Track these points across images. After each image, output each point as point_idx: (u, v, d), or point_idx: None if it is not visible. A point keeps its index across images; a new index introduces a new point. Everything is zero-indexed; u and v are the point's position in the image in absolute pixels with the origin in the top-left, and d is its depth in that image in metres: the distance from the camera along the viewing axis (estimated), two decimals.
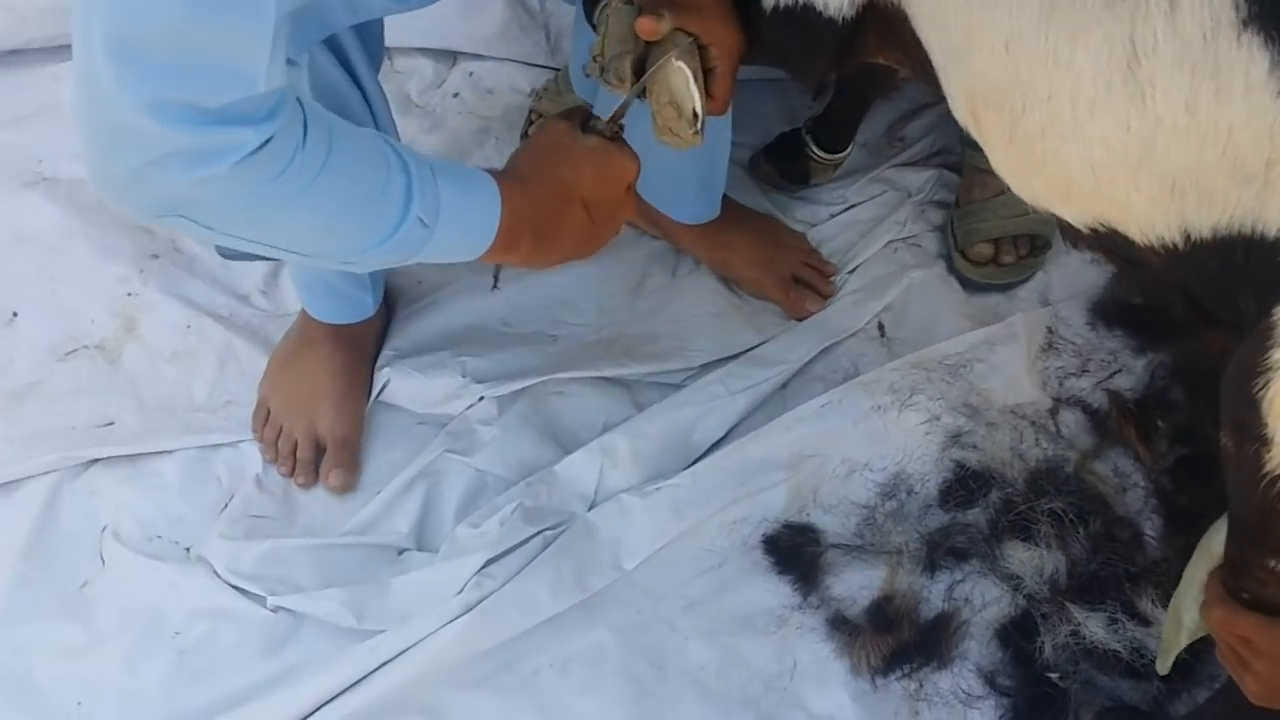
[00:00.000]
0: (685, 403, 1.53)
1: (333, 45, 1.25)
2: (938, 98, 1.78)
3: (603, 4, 1.13)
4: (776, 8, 1.16)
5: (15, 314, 1.65)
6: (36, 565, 1.46)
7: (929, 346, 1.58)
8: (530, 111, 1.75)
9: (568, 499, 1.48)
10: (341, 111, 1.26)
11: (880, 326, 1.63)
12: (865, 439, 1.52)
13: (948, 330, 1.61)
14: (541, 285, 1.64)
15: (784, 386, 1.59)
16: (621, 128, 1.16)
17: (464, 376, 1.55)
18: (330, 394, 1.53)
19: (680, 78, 1.10)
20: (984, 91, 1.07)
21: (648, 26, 1.10)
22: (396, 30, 1.80)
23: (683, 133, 1.13)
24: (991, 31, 1.02)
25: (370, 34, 1.30)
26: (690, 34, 1.11)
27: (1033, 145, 1.07)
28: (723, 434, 1.53)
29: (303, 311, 1.57)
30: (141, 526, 1.50)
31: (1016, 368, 1.57)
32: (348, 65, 1.28)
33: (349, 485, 1.51)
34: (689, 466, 1.50)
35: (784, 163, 1.72)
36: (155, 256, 1.69)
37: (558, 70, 1.77)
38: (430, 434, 1.54)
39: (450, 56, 1.84)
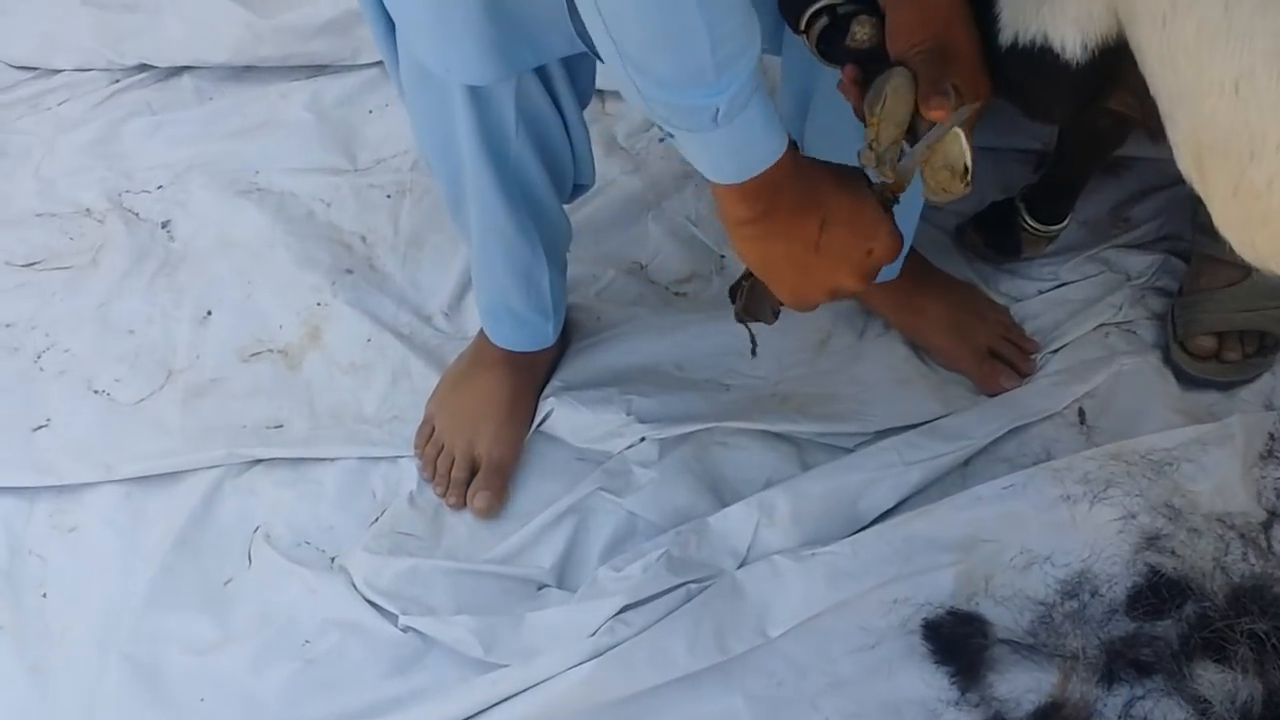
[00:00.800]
0: (855, 468, 1.44)
1: (543, 75, 1.25)
2: (1169, 180, 1.68)
3: (878, 82, 1.04)
4: (1015, 46, 1.08)
5: (209, 313, 1.69)
6: (186, 557, 1.46)
7: (1133, 438, 1.44)
8: None
9: (717, 553, 1.40)
10: (542, 139, 1.26)
11: (1081, 413, 1.50)
12: (1050, 530, 1.39)
13: (1156, 424, 1.46)
14: (720, 333, 1.57)
15: (965, 464, 1.47)
16: (895, 200, 1.08)
17: (628, 415, 1.49)
18: (493, 417, 1.50)
19: (957, 145, 1.03)
20: (1210, 139, 0.97)
21: (940, 112, 1.01)
22: (608, 72, 1.80)
23: (954, 188, 1.05)
24: (1220, 70, 0.93)
25: (582, 71, 1.30)
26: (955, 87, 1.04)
27: (1258, 199, 0.97)
28: (891, 505, 1.43)
29: (479, 335, 1.55)
30: (293, 531, 1.50)
31: (1229, 473, 1.41)
32: (554, 95, 1.27)
33: (493, 510, 1.47)
34: (851, 535, 1.40)
35: (993, 233, 1.61)
36: (349, 271, 1.71)
37: None
38: (586, 470, 1.49)
39: None
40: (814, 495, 1.42)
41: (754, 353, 1.21)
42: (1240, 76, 0.92)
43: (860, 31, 1.07)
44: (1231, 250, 1.50)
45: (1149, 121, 1.12)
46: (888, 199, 1.08)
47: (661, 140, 1.03)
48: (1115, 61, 1.07)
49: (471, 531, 1.48)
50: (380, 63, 1.89)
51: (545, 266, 1.43)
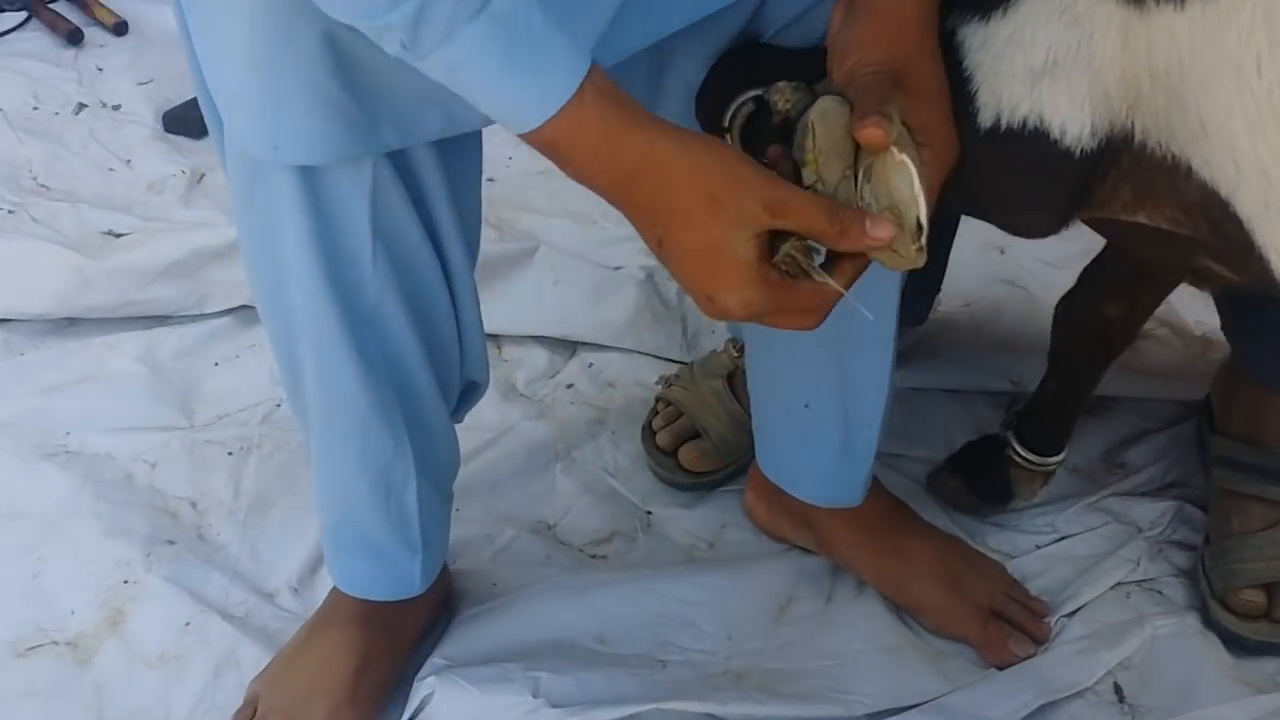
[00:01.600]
0: None
1: (415, 194, 0.96)
2: (1164, 422, 1.44)
3: (800, 109, 0.82)
4: (997, 128, 0.85)
5: None
6: None
7: (1193, 713, 1.11)
8: (656, 401, 1.43)
9: None
10: (412, 280, 0.97)
11: (1117, 688, 1.18)
12: None
13: (1211, 699, 1.15)
14: (653, 595, 1.24)
15: None
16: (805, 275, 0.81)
17: (535, 697, 1.12)
18: (332, 693, 1.13)
19: (903, 176, 0.77)
20: None
21: (876, 137, 0.77)
22: (509, 316, 1.54)
23: (904, 249, 0.79)
24: None
25: (467, 198, 1.01)
26: (905, 125, 0.79)
27: None
28: None
29: (331, 592, 1.19)
30: None
31: None
32: (431, 224, 0.98)
33: None
34: None
35: (976, 476, 1.33)
36: (171, 542, 1.34)
37: (692, 363, 1.46)
38: None
39: (570, 347, 1.55)
40: None
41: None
42: None
43: (780, 100, 0.84)
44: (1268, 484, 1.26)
45: (1209, 237, 0.88)
46: (789, 271, 0.80)
47: None
48: (1138, 167, 0.85)
49: None
50: (233, 310, 1.60)
51: (413, 473, 1.08)
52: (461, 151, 0.97)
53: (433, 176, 0.95)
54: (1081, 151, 0.84)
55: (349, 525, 1.12)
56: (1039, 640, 1.20)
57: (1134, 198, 0.87)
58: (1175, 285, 1.18)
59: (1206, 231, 0.85)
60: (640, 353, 1.53)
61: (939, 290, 1.43)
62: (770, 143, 0.84)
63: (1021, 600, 1.23)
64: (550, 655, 1.18)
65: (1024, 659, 1.19)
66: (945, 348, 1.49)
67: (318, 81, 0.82)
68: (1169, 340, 1.51)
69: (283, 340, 1.02)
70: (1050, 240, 1.64)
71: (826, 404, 1.17)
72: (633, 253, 1.63)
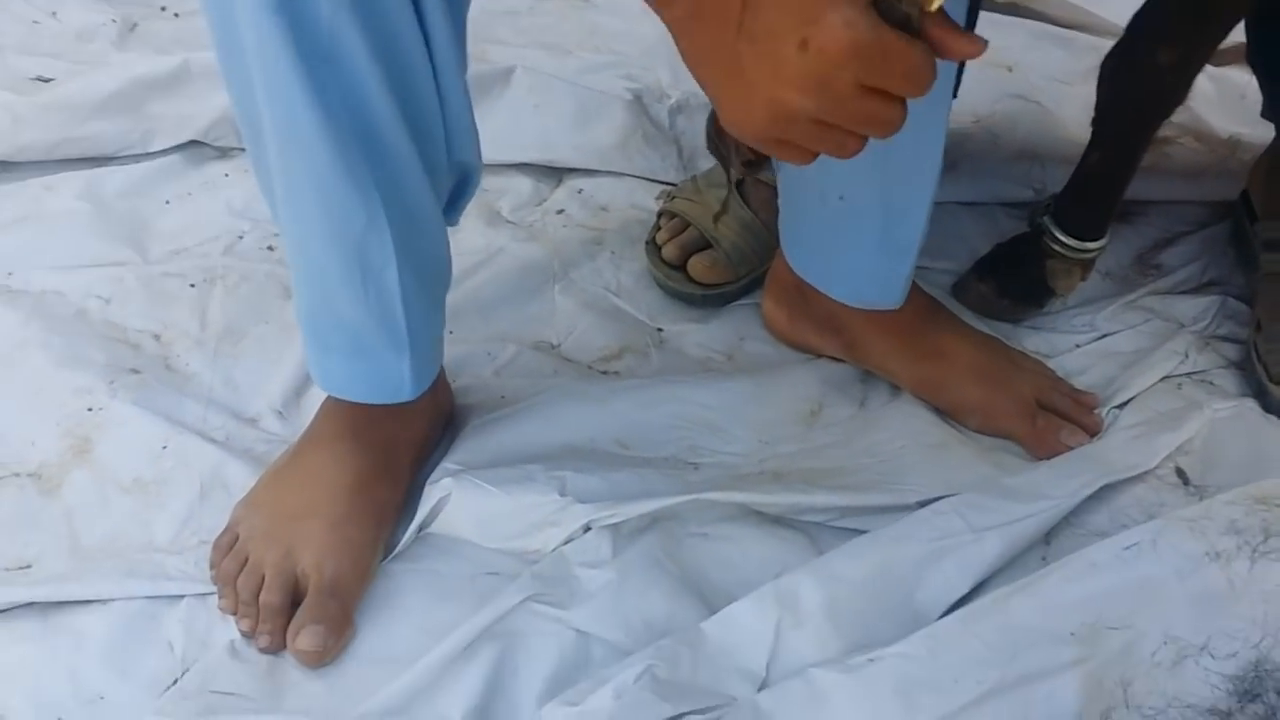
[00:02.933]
0: (906, 538, 0.99)
1: None
2: (1196, 223, 1.37)
3: None
4: None
5: None
6: None
7: (1265, 480, 1.04)
8: (659, 215, 1.32)
9: (722, 673, 0.91)
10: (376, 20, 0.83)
11: (1179, 472, 1.10)
12: (1200, 604, 0.95)
13: None
14: (677, 400, 1.13)
15: (1046, 543, 1.04)
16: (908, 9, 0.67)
17: (562, 495, 1.02)
18: (324, 512, 1.01)
19: None
20: None
21: None
22: (485, 143, 1.41)
23: None
24: None
25: None
26: None
27: None
28: (967, 590, 0.97)
29: (320, 409, 1.07)
30: (38, 707, 0.93)
31: None
32: None
33: (327, 652, 0.96)
34: (920, 631, 0.93)
35: (1007, 277, 1.25)
36: (136, 371, 1.21)
37: (694, 175, 1.35)
38: (503, 583, 0.99)
39: (555, 174, 1.43)
40: (853, 580, 0.96)
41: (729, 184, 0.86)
42: None
43: None
44: None
45: None
46: (906, 18, 0.66)
47: None
48: None
49: (330, 683, 0.94)
50: (182, 147, 1.46)
51: (392, 252, 0.93)
52: None
53: None
54: None
55: (326, 313, 0.98)
56: (1091, 431, 1.12)
57: None
58: (1232, 26, 1.09)
59: None
60: (634, 175, 1.42)
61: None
62: None
63: (1069, 394, 1.15)
64: (573, 458, 1.07)
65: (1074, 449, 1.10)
66: (961, 160, 1.40)
67: None
68: (1194, 145, 1.44)
69: (238, 84, 0.86)
70: (1058, 56, 1.57)
71: (865, 193, 1.06)
72: (615, 79, 1.52)
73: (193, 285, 1.31)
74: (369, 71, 0.83)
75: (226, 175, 1.45)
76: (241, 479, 1.09)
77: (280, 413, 1.17)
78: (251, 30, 0.80)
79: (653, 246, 1.30)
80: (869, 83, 0.67)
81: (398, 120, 0.87)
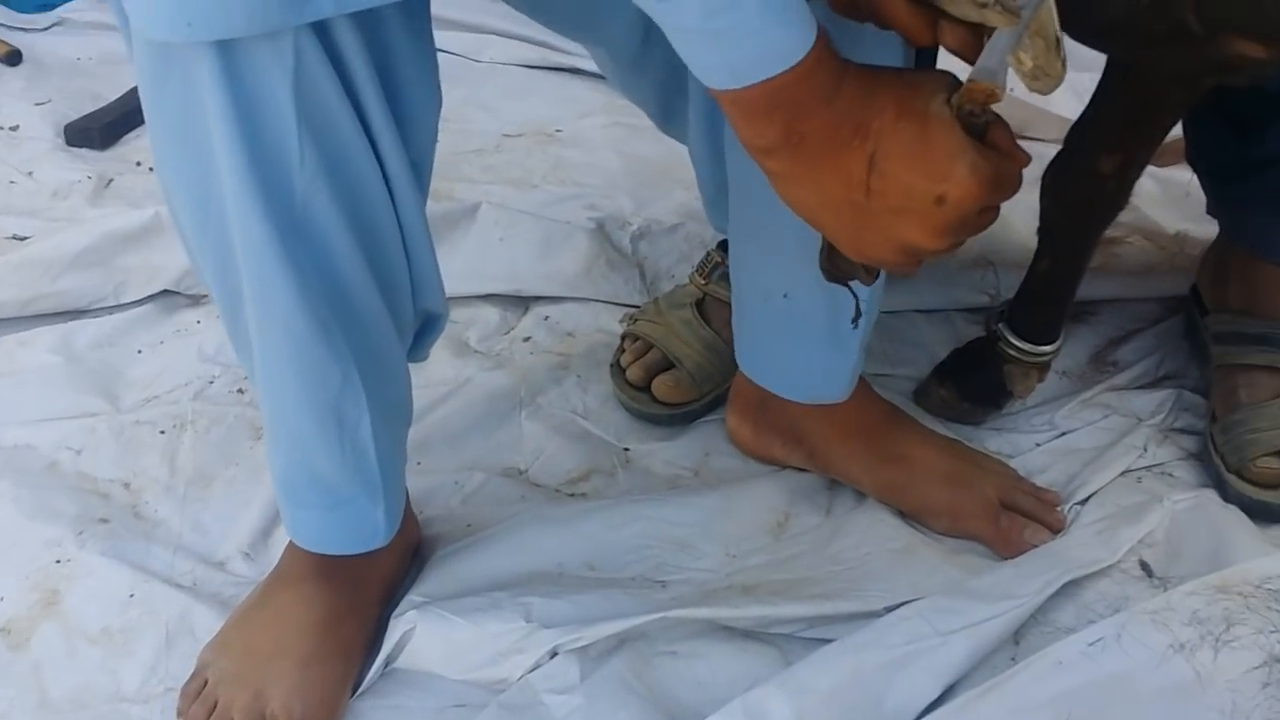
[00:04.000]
0: (872, 645, 0.99)
1: (343, 76, 0.83)
2: (1150, 319, 1.39)
3: None
4: None
5: None
6: None
7: (1227, 569, 1.04)
8: (623, 338, 1.34)
9: None
10: (345, 180, 0.86)
11: (1143, 565, 1.11)
12: (1168, 698, 0.95)
13: (1245, 559, 1.08)
14: (645, 519, 1.14)
15: (1016, 641, 1.04)
16: (986, 118, 0.77)
17: (528, 621, 1.02)
18: (295, 653, 1.01)
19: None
20: None
21: None
22: (453, 277, 1.44)
23: (1053, 68, 0.75)
24: None
25: (412, 102, 0.88)
26: None
27: None
28: (936, 695, 0.97)
29: (286, 550, 1.08)
30: None
31: None
32: (360, 109, 0.84)
33: None
34: None
35: (967, 380, 1.26)
36: (105, 520, 1.22)
37: (656, 298, 1.38)
38: (470, 715, 0.99)
39: (522, 303, 1.46)
40: (821, 690, 0.96)
41: (856, 321, 0.93)
42: None
43: None
44: (1273, 350, 1.21)
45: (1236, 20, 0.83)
46: (975, 116, 0.76)
47: None
48: None
49: None
50: (154, 298, 1.49)
51: (365, 406, 0.95)
52: (405, 39, 0.86)
53: (361, 62, 0.82)
54: None
55: (301, 471, 1.00)
56: (1055, 528, 1.13)
57: None
58: (1166, 130, 1.13)
59: None
60: (598, 300, 1.45)
61: None
62: None
63: (1031, 492, 1.16)
64: (539, 583, 1.07)
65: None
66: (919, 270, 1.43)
67: None
68: (1143, 244, 1.47)
69: (214, 257, 0.89)
70: None
71: (809, 290, 1.08)
72: (579, 209, 1.56)
73: (163, 432, 1.32)
74: (340, 237, 0.87)
75: (198, 321, 1.47)
76: (208, 624, 1.09)
77: (248, 555, 1.18)
78: (229, 191, 0.83)
79: (617, 369, 1.32)
80: (990, 205, 0.79)
81: (368, 280, 0.90)
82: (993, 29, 0.74)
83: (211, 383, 1.38)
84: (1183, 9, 0.84)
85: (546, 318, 1.44)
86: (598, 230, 1.51)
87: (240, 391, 1.36)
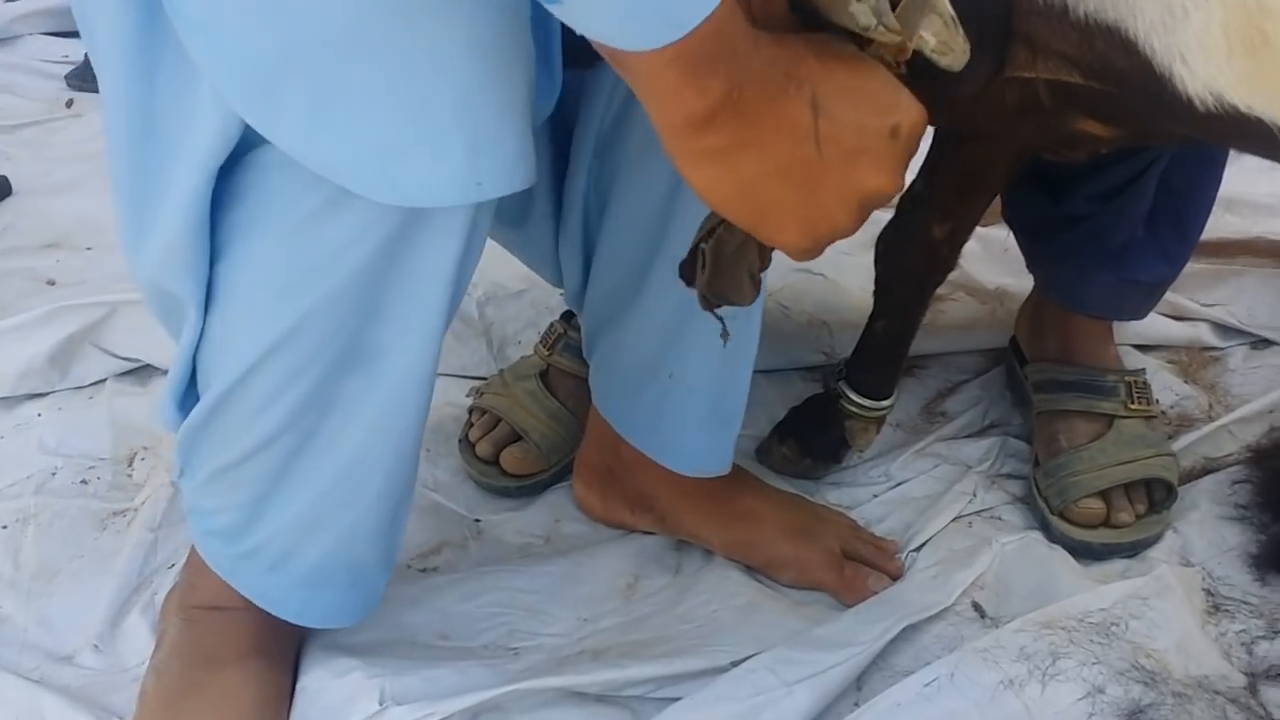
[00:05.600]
0: (721, 699, 1.01)
1: None
2: (974, 371, 1.46)
3: None
4: None
5: None
6: None
7: (1051, 605, 1.10)
8: (470, 412, 1.36)
9: None
10: None
11: (976, 606, 1.16)
12: None
13: (1069, 595, 1.14)
14: (497, 589, 1.16)
15: (859, 687, 1.08)
16: (902, 67, 0.75)
17: (380, 703, 1.02)
18: None
19: None
20: None
21: None
22: None
23: (955, 42, 0.74)
24: None
25: None
26: None
27: None
28: None
29: (196, 626, 1.06)
30: None
31: (1187, 626, 1.09)
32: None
33: None
34: None
35: (807, 437, 1.31)
36: None
37: (501, 370, 1.40)
38: None
39: None
40: None
41: (725, 342, 0.86)
42: None
43: None
44: (1088, 397, 1.28)
45: (1081, 101, 0.89)
46: (891, 68, 0.74)
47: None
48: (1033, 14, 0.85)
49: None
50: None
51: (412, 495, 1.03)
52: None
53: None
54: None
55: (340, 558, 1.00)
56: (894, 575, 1.18)
57: (1028, 51, 0.87)
58: (993, 198, 1.20)
59: (1090, 73, 0.85)
60: (446, 374, 1.46)
61: None
62: None
63: (871, 542, 1.21)
64: (392, 657, 1.08)
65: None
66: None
67: (520, 100, 0.76)
68: (966, 300, 1.54)
69: (307, 388, 0.88)
70: None
71: (694, 370, 1.13)
72: None
73: (5, 527, 1.30)
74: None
75: (39, 415, 1.45)
76: (58, 716, 1.07)
77: (97, 647, 1.16)
78: (416, 334, 0.87)
79: (466, 444, 1.33)
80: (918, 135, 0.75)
81: None
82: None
83: (54, 474, 1.36)
84: (1036, 85, 0.90)
85: None
86: None
87: (84, 483, 1.34)
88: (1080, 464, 1.24)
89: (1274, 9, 0.74)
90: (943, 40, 0.74)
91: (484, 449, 1.32)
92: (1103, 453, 1.24)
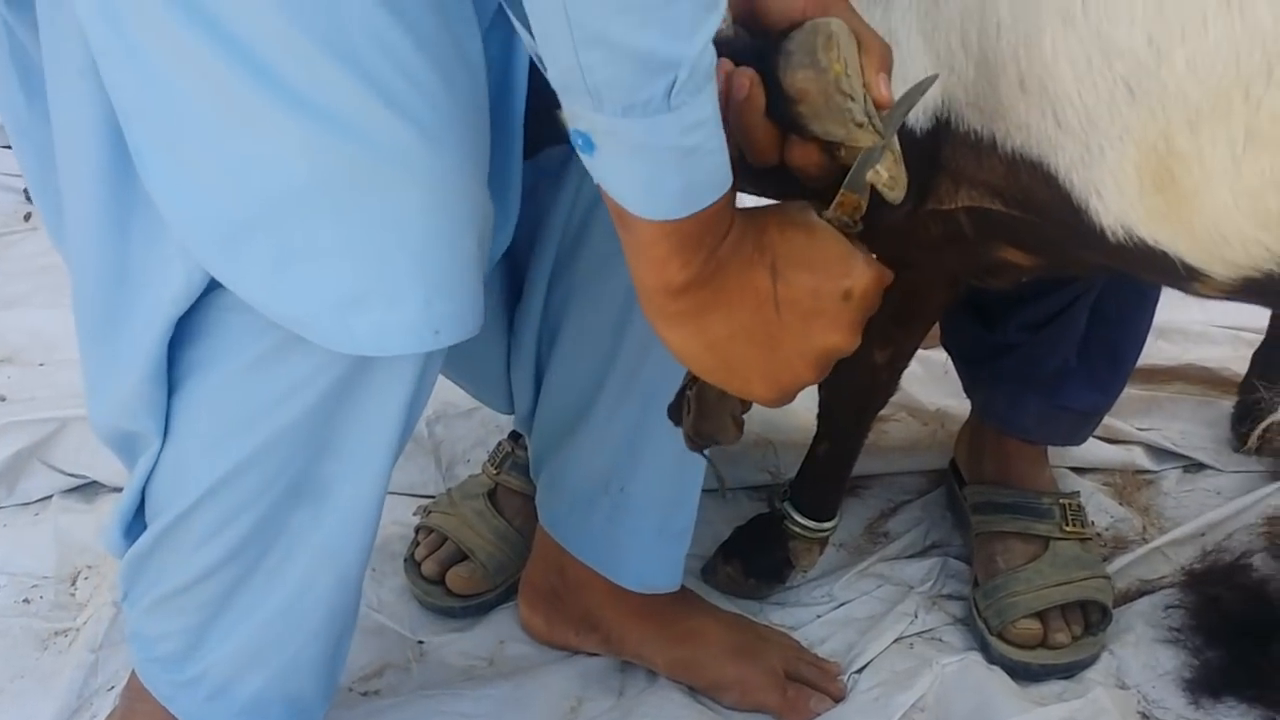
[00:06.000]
0: None
1: None
2: (916, 491, 1.49)
3: (801, 34, 0.78)
4: None
5: None
6: None
7: None
8: (417, 530, 1.37)
9: None
10: None
11: None
12: None
13: (1007, 717, 1.15)
14: (435, 715, 1.16)
15: None
16: (857, 229, 0.82)
17: None
18: None
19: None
20: (1190, 105, 0.77)
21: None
22: None
23: (901, 177, 0.80)
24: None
25: None
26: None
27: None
28: None
29: None
30: None
31: None
32: None
33: None
34: None
35: (752, 557, 1.33)
36: None
37: (449, 489, 1.41)
38: None
39: None
40: None
41: (724, 494, 0.89)
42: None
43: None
44: (1025, 519, 1.31)
45: (1003, 231, 0.93)
46: (848, 227, 0.81)
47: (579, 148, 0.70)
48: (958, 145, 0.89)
49: None
50: None
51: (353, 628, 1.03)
52: None
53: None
54: (921, 131, 0.87)
55: (280, 690, 0.99)
56: (836, 697, 1.19)
57: (952, 186, 0.91)
58: (930, 325, 1.24)
59: (1013, 203, 0.89)
60: (393, 492, 1.46)
61: None
62: None
63: (813, 663, 1.22)
64: None
65: (824, 715, 1.16)
66: None
67: (474, 250, 0.80)
68: (908, 421, 1.57)
69: (254, 521, 0.89)
70: None
71: (644, 485, 1.15)
72: None
73: None
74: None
75: None
76: None
77: None
78: (366, 486, 0.91)
79: (411, 563, 1.34)
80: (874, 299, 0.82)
81: None
82: (843, 146, 0.78)
83: None
84: (958, 216, 0.94)
85: None
86: None
87: (26, 601, 1.34)
88: (1017, 584, 1.26)
89: (1182, 152, 0.79)
90: (893, 175, 0.79)
91: (430, 568, 1.33)
92: (1039, 574, 1.27)
